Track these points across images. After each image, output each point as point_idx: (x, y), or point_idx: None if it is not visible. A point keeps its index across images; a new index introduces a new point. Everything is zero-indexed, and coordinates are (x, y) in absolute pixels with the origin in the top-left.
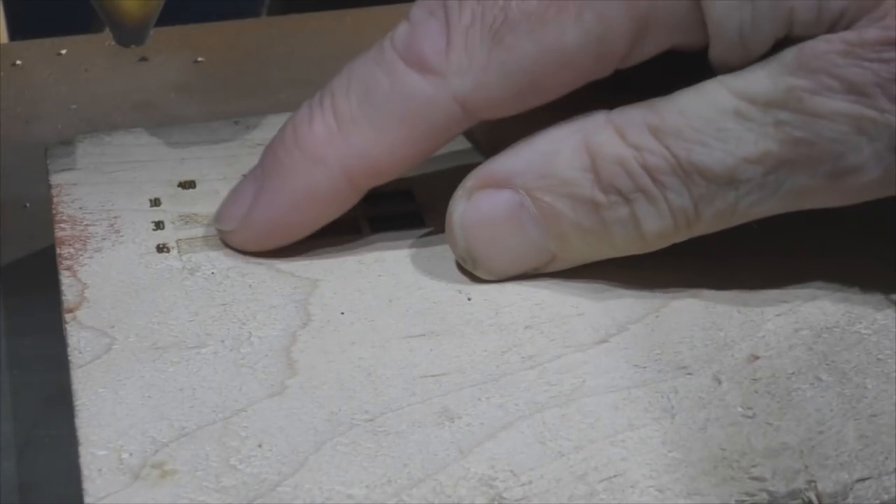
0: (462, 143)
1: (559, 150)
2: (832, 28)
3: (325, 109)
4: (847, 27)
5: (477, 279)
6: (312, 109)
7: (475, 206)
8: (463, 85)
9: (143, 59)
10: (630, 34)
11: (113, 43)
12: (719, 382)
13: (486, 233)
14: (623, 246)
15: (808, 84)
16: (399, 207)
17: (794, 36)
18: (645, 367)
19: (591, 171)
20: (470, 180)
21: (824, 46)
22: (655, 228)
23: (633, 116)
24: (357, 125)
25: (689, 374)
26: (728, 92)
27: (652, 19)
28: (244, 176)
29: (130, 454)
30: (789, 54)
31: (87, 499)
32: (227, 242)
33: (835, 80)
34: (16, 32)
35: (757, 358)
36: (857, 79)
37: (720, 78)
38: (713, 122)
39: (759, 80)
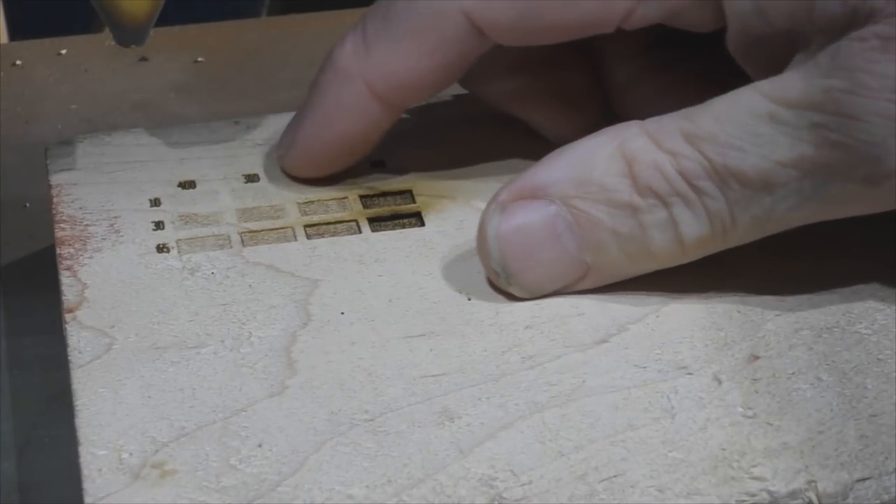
0: (462, 146)
1: (594, 158)
2: (855, 14)
3: (356, 30)
4: (870, 12)
5: (477, 279)
6: (348, 33)
7: (510, 218)
8: None
9: (143, 59)
10: None
11: (113, 43)
12: (719, 382)
13: (521, 245)
14: (661, 253)
15: (844, 84)
16: (399, 207)
17: (816, 19)
18: (645, 367)
19: (628, 176)
20: (503, 194)
21: (859, 45)
22: (694, 233)
23: (667, 124)
24: (378, 40)
25: (689, 374)
26: (762, 97)
27: None
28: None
29: (130, 454)
30: (824, 57)
31: (87, 499)
32: (285, 169)
33: (873, 77)
34: (16, 32)
35: (757, 358)
36: (895, 74)
37: (754, 84)
38: (748, 127)
39: (795, 83)
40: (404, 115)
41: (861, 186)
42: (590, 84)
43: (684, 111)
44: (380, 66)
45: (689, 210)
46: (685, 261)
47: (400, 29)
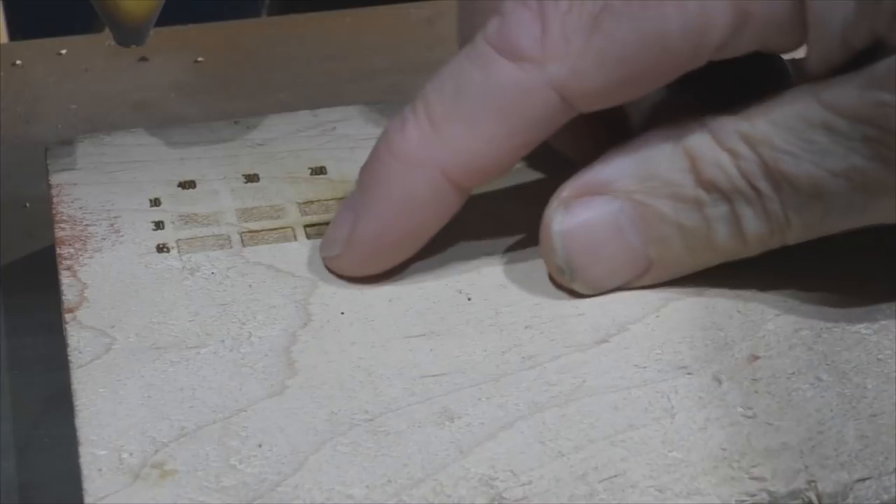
0: None
1: (656, 154)
2: None
3: (417, 113)
4: None
5: (477, 279)
6: (405, 116)
7: (574, 215)
8: (559, 71)
9: (143, 59)
10: (730, 26)
11: (113, 43)
12: (719, 382)
13: (585, 241)
14: (724, 247)
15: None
16: None
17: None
18: (645, 367)
19: (691, 171)
20: (566, 190)
21: None
22: (754, 229)
23: (726, 123)
24: (451, 123)
25: (689, 374)
26: (818, 104)
27: (753, 14)
28: (340, 201)
29: (130, 454)
30: (882, 67)
31: (87, 499)
32: (335, 270)
33: None
34: (16, 32)
35: (757, 358)
36: None
37: (812, 88)
38: (802, 134)
39: (850, 92)
40: None
41: None
42: None
43: (743, 109)
44: (456, 152)
45: (749, 207)
46: (747, 255)
47: (477, 110)
